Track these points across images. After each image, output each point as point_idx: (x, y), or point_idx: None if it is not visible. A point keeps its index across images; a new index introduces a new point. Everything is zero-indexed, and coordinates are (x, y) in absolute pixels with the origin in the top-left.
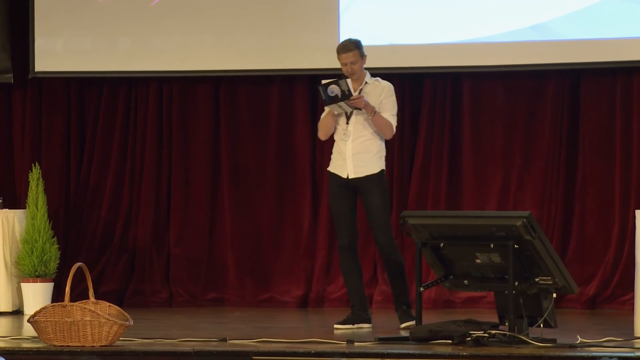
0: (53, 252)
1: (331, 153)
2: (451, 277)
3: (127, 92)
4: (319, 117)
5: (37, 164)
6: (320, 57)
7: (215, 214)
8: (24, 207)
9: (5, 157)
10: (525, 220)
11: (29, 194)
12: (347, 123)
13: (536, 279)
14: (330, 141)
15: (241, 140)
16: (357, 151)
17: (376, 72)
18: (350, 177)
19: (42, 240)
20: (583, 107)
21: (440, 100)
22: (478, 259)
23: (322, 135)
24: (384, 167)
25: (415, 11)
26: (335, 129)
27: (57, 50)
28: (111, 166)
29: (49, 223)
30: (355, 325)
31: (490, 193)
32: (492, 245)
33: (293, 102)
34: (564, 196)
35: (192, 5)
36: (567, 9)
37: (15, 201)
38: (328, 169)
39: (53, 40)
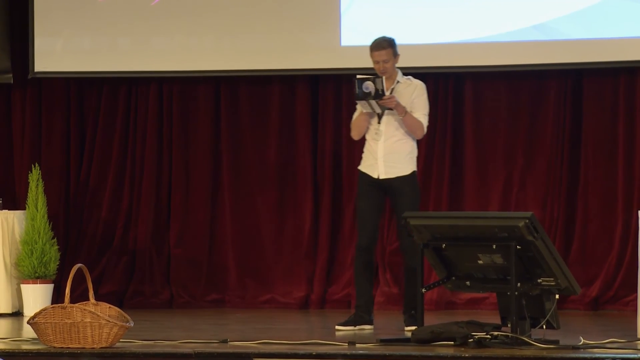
0: (53, 253)
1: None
2: (453, 278)
3: (127, 93)
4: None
5: (36, 164)
6: (322, 58)
7: (216, 214)
8: (24, 208)
9: (4, 157)
10: (527, 220)
11: (29, 194)
12: (379, 122)
13: (539, 280)
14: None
15: (242, 141)
16: (388, 151)
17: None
18: (381, 177)
19: (42, 241)
20: (585, 107)
21: (442, 100)
22: (480, 260)
23: (355, 134)
24: (415, 169)
25: (417, 11)
26: (367, 128)
27: (56, 50)
28: (111, 167)
29: (49, 224)
30: (357, 327)
31: (493, 194)
32: (494, 246)
33: (294, 103)
34: (567, 197)
35: (192, 5)
36: (569, 9)
37: (14, 202)
38: (359, 167)
39: (53, 40)
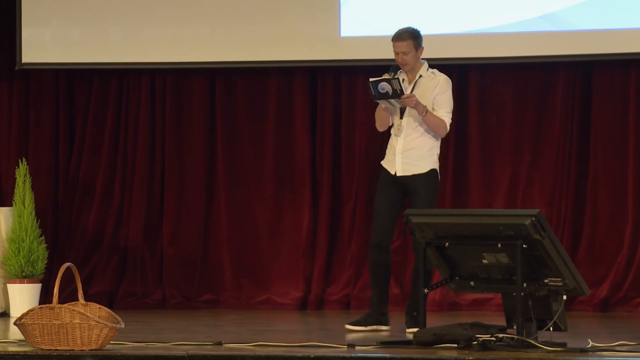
0: (41, 252)
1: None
2: (457, 278)
3: (118, 85)
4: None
5: (24, 159)
6: (321, 49)
7: (211, 212)
8: (11, 205)
9: None
10: (534, 218)
11: (16, 190)
12: (401, 118)
13: (545, 280)
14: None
15: (238, 135)
16: (407, 148)
17: (379, 64)
18: (398, 174)
19: (30, 239)
20: (595, 101)
21: None
22: (485, 259)
23: (379, 126)
24: (435, 167)
25: (419, 1)
26: (391, 120)
27: (45, 41)
28: (102, 162)
29: (37, 221)
30: (368, 328)
31: (498, 190)
32: (499, 245)
33: (292, 96)
34: (575, 193)
35: None
36: None
37: (1, 198)
38: (381, 162)
39: (41, 30)
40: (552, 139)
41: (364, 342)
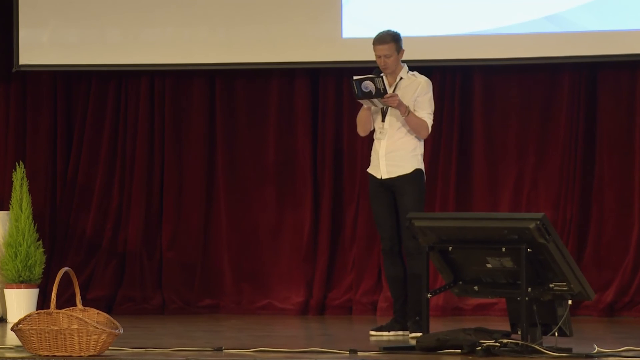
0: (38, 256)
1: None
2: (460, 282)
3: (117, 87)
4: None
5: (21, 162)
6: (322, 50)
7: (211, 215)
8: (7, 209)
9: None
10: (539, 222)
11: (13, 194)
12: (383, 121)
13: (550, 285)
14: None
15: (238, 138)
16: (390, 150)
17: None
18: (383, 177)
19: (27, 243)
20: (601, 103)
21: (449, 95)
22: (489, 263)
23: (361, 131)
24: (419, 167)
25: (422, 1)
26: (372, 124)
27: (42, 42)
28: (100, 165)
29: (34, 225)
30: (392, 333)
31: (502, 193)
32: (503, 249)
33: (293, 98)
34: (580, 197)
35: None
36: None
37: None
38: (367, 170)
39: (38, 31)
40: (558, 141)
41: (366, 348)
